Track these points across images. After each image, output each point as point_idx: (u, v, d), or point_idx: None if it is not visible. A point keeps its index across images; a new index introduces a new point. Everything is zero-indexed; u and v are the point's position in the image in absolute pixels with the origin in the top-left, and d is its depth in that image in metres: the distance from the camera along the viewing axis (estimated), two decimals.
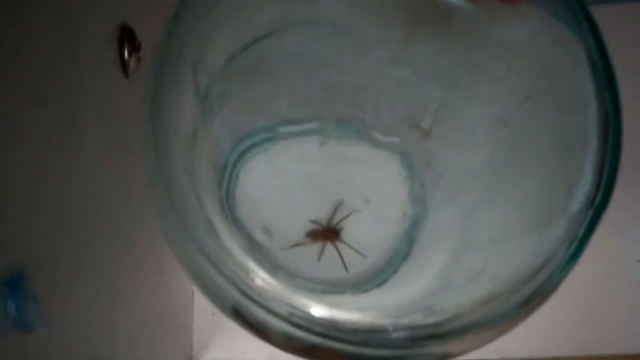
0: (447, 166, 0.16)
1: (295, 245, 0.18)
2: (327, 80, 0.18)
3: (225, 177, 0.18)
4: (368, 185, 0.18)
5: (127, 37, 0.18)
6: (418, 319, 0.13)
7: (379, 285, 0.17)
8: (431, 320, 0.13)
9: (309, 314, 0.13)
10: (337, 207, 0.18)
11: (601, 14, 0.14)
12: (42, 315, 0.11)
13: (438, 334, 0.13)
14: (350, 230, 0.18)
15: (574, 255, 0.12)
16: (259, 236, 0.17)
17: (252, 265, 0.14)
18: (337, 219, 0.18)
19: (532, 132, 0.14)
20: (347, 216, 0.18)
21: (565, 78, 0.13)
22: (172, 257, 0.14)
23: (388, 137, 0.17)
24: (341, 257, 0.18)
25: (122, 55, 0.18)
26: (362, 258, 0.18)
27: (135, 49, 0.18)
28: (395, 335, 0.13)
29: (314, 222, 0.19)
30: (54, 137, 0.14)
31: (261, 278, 0.14)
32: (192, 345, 0.28)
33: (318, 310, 0.13)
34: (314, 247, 0.19)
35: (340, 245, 0.18)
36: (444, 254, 0.15)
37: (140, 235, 0.20)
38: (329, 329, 0.12)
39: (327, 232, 0.19)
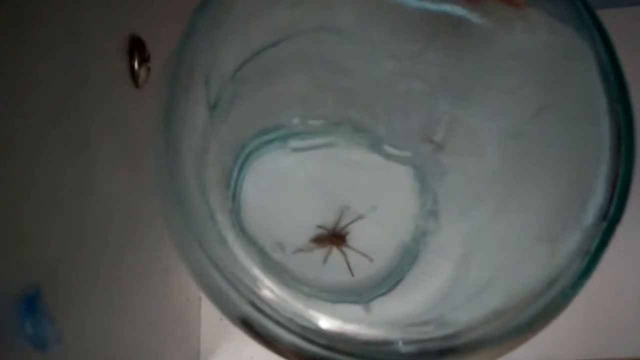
0: (460, 179, 0.16)
1: (301, 250, 0.18)
2: (338, 90, 0.17)
3: (232, 185, 0.18)
4: (381, 197, 0.18)
5: (137, 47, 0.18)
6: (429, 332, 0.13)
7: (386, 293, 0.17)
8: (442, 333, 0.13)
9: (318, 327, 0.13)
10: (341, 214, 0.18)
11: (613, 18, 0.14)
12: (57, 332, 0.11)
13: (449, 348, 0.13)
14: (360, 240, 0.18)
15: (588, 269, 0.12)
16: (268, 245, 0.17)
17: (261, 276, 0.14)
18: (341, 225, 0.18)
19: (544, 144, 0.14)
20: (353, 221, 0.18)
21: (578, 90, 0.13)
22: (179, 263, 0.14)
23: (401, 151, 0.17)
24: (347, 262, 0.18)
25: (132, 65, 0.18)
26: (370, 266, 0.18)
27: (145, 59, 0.18)
28: (405, 349, 0.13)
29: (320, 227, 0.19)
30: (66, 153, 0.14)
31: (270, 289, 0.14)
32: (200, 351, 0.28)
33: (327, 322, 0.13)
34: (323, 256, 0.19)
35: (347, 251, 0.18)
36: (454, 265, 0.15)
37: (148, 242, 0.20)
38: (338, 342, 0.12)
39: (333, 237, 0.18)
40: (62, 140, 0.14)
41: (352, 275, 0.18)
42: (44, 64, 0.13)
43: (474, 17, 0.14)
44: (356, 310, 0.16)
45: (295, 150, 0.18)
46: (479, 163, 0.16)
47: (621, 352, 0.25)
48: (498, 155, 0.15)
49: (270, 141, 0.18)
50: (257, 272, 0.14)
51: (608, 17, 0.13)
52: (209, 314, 0.27)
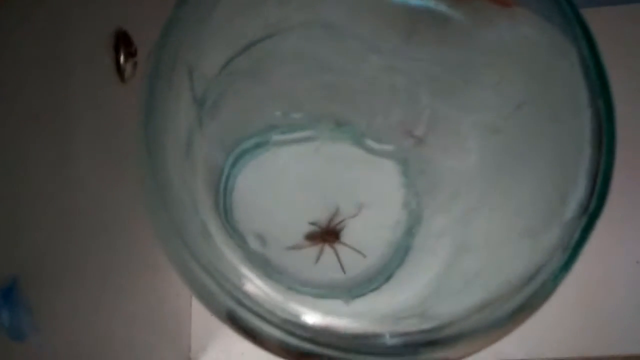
0: (442, 173, 0.16)
1: (294, 247, 0.18)
2: (322, 85, 0.18)
3: (221, 182, 0.18)
4: (363, 191, 0.18)
5: (123, 42, 0.18)
6: (414, 325, 0.13)
7: (374, 289, 0.17)
8: (427, 326, 0.13)
9: (303, 321, 0.13)
10: (335, 211, 0.18)
11: (595, 16, 0.14)
12: (35, 324, 0.11)
13: (434, 340, 0.13)
14: (345, 236, 0.18)
15: (568, 262, 0.12)
16: (254, 241, 0.17)
17: (246, 271, 0.14)
18: (334, 222, 0.18)
19: (525, 139, 0.14)
20: (345, 219, 0.18)
21: (559, 85, 0.14)
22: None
23: (382, 145, 0.17)
24: (339, 259, 0.18)
25: (118, 60, 0.18)
26: (357, 263, 0.18)
27: (131, 53, 0.18)
28: (391, 342, 0.13)
29: (313, 223, 0.19)
30: (48, 147, 0.14)
31: (255, 285, 0.14)
32: (190, 347, 0.28)
33: (312, 317, 0.13)
34: (310, 252, 0.19)
35: (339, 248, 0.18)
36: (438, 260, 0.15)
37: (135, 237, 0.20)
38: (323, 336, 0.12)
39: (326, 234, 0.19)
40: (45, 135, 0.14)
41: (345, 272, 0.18)
42: (26, 58, 0.13)
43: (458, 13, 0.14)
44: (342, 305, 0.16)
45: (277, 144, 0.18)
46: (460, 158, 0.16)
47: (614, 349, 0.25)
48: (479, 150, 0.16)
49: (261, 143, 0.18)
50: (242, 267, 0.14)
51: (591, 16, 0.13)
52: (200, 309, 0.27)
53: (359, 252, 0.18)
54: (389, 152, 0.17)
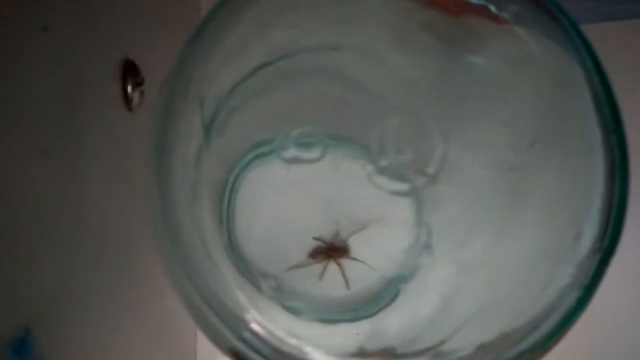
0: (454, 212, 0.16)
1: (298, 266, 0.18)
2: (331, 113, 0.17)
3: (225, 205, 0.18)
4: (373, 229, 0.18)
5: (130, 71, 0.18)
6: None
7: (381, 310, 0.17)
8: None
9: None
10: (338, 229, 0.18)
11: (604, 33, 0.14)
12: None
13: None
14: (351, 271, 0.18)
15: (581, 302, 0.12)
16: (262, 269, 0.17)
17: (252, 308, 0.14)
18: (338, 239, 0.18)
19: (538, 176, 0.14)
20: (348, 236, 0.18)
21: (571, 121, 0.13)
22: None
23: (394, 183, 0.17)
24: (344, 275, 0.18)
25: (125, 89, 0.18)
26: (363, 283, 0.18)
27: (138, 83, 0.18)
28: None
29: (317, 239, 0.18)
30: (57, 183, 0.14)
31: (260, 323, 0.14)
32: None
33: (319, 355, 0.13)
34: (316, 271, 0.18)
35: (345, 265, 0.18)
36: (445, 298, 0.15)
37: (143, 265, 0.20)
38: None
39: (331, 251, 0.18)
40: (53, 170, 0.14)
41: (349, 288, 0.18)
42: (35, 88, 0.13)
43: (469, 48, 0.14)
44: (350, 338, 0.16)
45: (287, 167, 0.18)
46: (472, 196, 0.16)
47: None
48: (491, 188, 0.15)
49: (264, 160, 0.18)
50: (247, 303, 0.14)
51: (600, 33, 0.13)
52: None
53: (367, 265, 0.17)
54: (402, 191, 0.17)
